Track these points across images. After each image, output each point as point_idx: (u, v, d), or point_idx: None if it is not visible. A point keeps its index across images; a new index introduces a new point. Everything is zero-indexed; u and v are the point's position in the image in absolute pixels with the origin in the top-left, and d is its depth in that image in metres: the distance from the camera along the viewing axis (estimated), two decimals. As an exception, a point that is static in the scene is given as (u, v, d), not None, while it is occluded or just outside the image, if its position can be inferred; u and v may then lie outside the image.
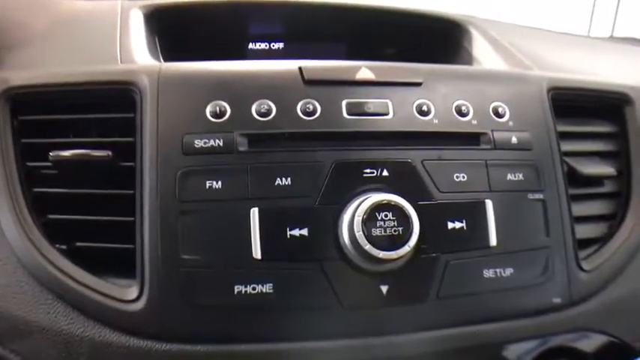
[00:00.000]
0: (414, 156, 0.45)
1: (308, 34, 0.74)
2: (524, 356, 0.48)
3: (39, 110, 0.46)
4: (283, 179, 0.43)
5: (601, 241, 0.52)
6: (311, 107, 0.45)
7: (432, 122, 0.47)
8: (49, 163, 0.44)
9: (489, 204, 0.45)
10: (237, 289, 0.41)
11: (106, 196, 0.44)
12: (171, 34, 0.64)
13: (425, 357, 0.45)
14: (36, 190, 0.45)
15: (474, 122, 0.48)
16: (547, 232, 0.47)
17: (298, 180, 0.43)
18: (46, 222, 0.44)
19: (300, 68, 0.47)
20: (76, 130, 0.46)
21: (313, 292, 0.42)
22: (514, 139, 0.48)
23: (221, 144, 0.43)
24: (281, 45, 0.73)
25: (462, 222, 0.44)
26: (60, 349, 0.41)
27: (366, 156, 0.44)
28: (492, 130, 0.48)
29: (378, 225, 0.41)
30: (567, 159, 0.51)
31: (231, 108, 0.44)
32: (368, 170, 0.44)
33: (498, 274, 0.45)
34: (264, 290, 0.41)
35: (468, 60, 0.68)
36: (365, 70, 0.48)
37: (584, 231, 0.51)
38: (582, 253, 0.50)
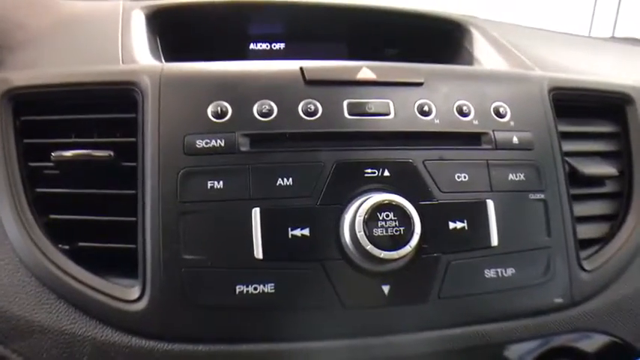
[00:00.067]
0: (415, 156, 0.45)
1: (309, 35, 0.74)
2: (525, 356, 0.48)
3: (41, 110, 0.46)
4: (285, 179, 0.43)
5: (602, 241, 0.52)
6: (312, 107, 0.45)
7: (433, 122, 0.47)
8: (51, 164, 0.44)
9: (490, 204, 0.45)
10: (238, 289, 0.41)
11: (107, 196, 0.44)
12: (173, 34, 0.64)
13: (426, 357, 0.45)
14: (38, 190, 0.45)
15: (475, 122, 0.48)
16: (548, 232, 0.47)
17: (300, 180, 0.43)
18: (48, 222, 0.44)
19: (301, 68, 0.47)
20: (78, 130, 0.46)
21: (315, 292, 0.42)
22: (515, 139, 0.48)
23: (222, 144, 0.43)
24: (282, 45, 0.74)
25: (463, 222, 0.44)
26: (62, 349, 0.41)
27: (368, 156, 0.44)
28: (493, 130, 0.48)
29: (379, 225, 0.41)
30: (568, 159, 0.51)
31: (232, 108, 0.44)
32: (369, 170, 0.44)
33: (500, 274, 0.45)
34: (265, 290, 0.41)
35: (469, 60, 0.68)
36: (366, 70, 0.48)
37: (585, 231, 0.51)
38: (584, 253, 0.50)
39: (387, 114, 0.46)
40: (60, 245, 0.44)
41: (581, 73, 0.61)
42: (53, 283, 0.42)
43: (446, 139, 0.47)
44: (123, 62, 0.52)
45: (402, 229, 0.41)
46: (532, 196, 0.47)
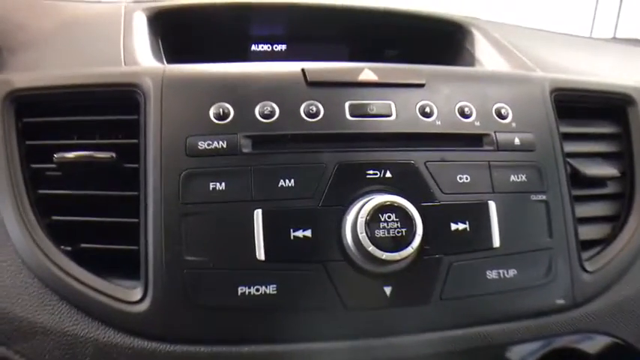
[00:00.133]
0: (417, 157, 0.45)
1: (310, 36, 0.74)
2: (527, 357, 0.48)
3: (43, 112, 0.47)
4: (287, 181, 0.43)
5: (604, 242, 0.52)
6: (314, 109, 0.45)
7: (434, 124, 0.47)
8: (53, 165, 0.44)
9: (492, 205, 0.45)
10: (240, 290, 0.41)
11: (109, 197, 0.45)
12: (175, 36, 0.65)
13: (428, 358, 0.45)
14: (40, 191, 0.45)
15: (477, 123, 0.48)
16: (550, 233, 0.47)
17: (302, 181, 0.43)
18: (51, 223, 0.44)
19: (303, 70, 0.47)
20: (81, 131, 0.46)
21: (317, 293, 0.42)
22: (517, 141, 0.48)
23: (225, 146, 0.43)
24: (283, 47, 0.74)
25: (465, 223, 0.44)
26: (64, 350, 0.41)
27: (369, 157, 0.44)
28: (495, 132, 0.48)
29: (381, 226, 0.41)
30: (570, 160, 0.51)
31: (234, 110, 0.44)
32: (371, 172, 0.44)
33: (501, 275, 0.45)
34: (267, 291, 0.41)
35: (471, 61, 0.68)
36: (368, 72, 0.48)
37: (587, 232, 0.51)
38: (585, 255, 0.50)
39: (389, 115, 0.46)
40: (62, 246, 0.44)
41: (582, 74, 0.61)
42: (55, 285, 0.42)
43: (447, 140, 0.47)
44: (125, 64, 0.52)
45: (403, 230, 0.41)
46: (534, 197, 0.47)
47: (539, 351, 0.48)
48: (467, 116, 0.48)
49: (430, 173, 0.45)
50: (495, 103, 0.49)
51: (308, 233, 0.42)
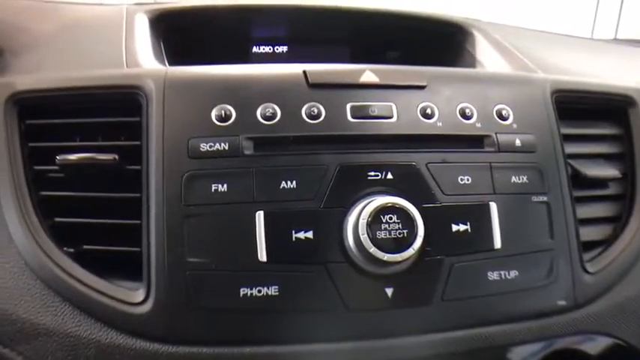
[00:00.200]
0: (418, 159, 0.45)
1: (311, 38, 0.74)
2: (529, 358, 0.48)
3: (46, 114, 0.47)
4: (288, 182, 0.43)
5: (605, 243, 0.52)
6: (315, 111, 0.45)
7: (436, 125, 0.47)
8: (56, 167, 0.44)
9: (493, 206, 0.46)
10: (242, 291, 0.41)
11: (112, 199, 0.45)
12: (176, 38, 0.65)
13: (429, 359, 0.45)
14: (43, 193, 0.45)
15: (478, 125, 0.48)
16: (551, 234, 0.47)
17: (303, 183, 0.43)
18: (53, 225, 0.44)
19: (304, 72, 0.47)
20: (83, 133, 0.46)
21: (318, 294, 0.42)
22: (518, 142, 0.48)
23: (226, 147, 0.43)
24: (285, 48, 0.74)
25: (466, 224, 0.45)
26: (67, 351, 0.42)
27: (371, 159, 0.44)
28: (496, 133, 0.48)
29: (382, 228, 0.41)
30: (571, 161, 0.51)
31: (236, 112, 0.44)
32: (372, 173, 0.44)
33: (503, 276, 0.45)
34: (269, 293, 0.41)
35: (472, 63, 0.68)
36: (369, 74, 0.48)
37: (588, 233, 0.51)
38: (587, 256, 0.50)
39: (390, 117, 0.46)
40: (65, 248, 0.44)
41: (583, 75, 0.61)
42: (58, 286, 0.42)
43: (449, 141, 0.47)
44: (127, 66, 0.52)
45: (405, 231, 0.41)
46: (535, 198, 0.47)
47: (540, 352, 0.48)
48: (468, 117, 0.48)
49: (431, 174, 0.45)
50: (496, 105, 0.49)
51: (309, 235, 0.42)
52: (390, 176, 0.44)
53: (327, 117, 0.45)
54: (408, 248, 0.41)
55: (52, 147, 0.45)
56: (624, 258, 0.51)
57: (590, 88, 0.56)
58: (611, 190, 0.54)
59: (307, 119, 0.45)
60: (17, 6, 0.64)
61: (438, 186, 0.45)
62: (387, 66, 0.51)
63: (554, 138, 0.50)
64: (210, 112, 0.44)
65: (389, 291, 0.43)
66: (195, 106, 0.45)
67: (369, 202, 0.42)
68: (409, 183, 0.44)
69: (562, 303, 0.47)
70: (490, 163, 0.47)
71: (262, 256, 0.42)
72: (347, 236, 0.42)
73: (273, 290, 0.41)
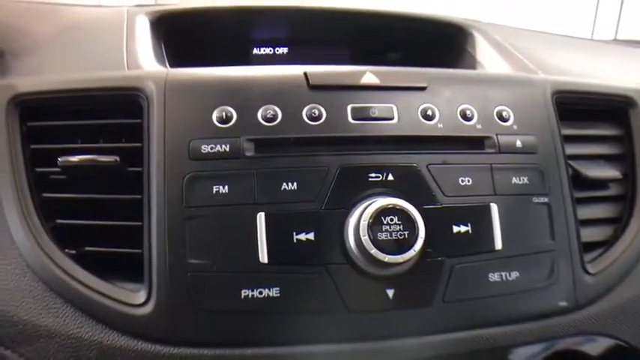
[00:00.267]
0: (419, 160, 0.45)
1: (312, 39, 0.75)
2: (530, 360, 0.48)
3: (47, 116, 0.47)
4: (289, 184, 0.43)
5: (606, 244, 0.52)
6: (316, 112, 0.45)
7: (436, 126, 0.47)
8: (57, 169, 0.44)
9: (494, 208, 0.46)
10: (244, 293, 0.41)
11: (113, 201, 0.45)
12: (177, 39, 0.65)
13: (431, 361, 0.45)
14: (45, 195, 0.45)
15: (479, 126, 0.48)
16: (552, 235, 0.47)
17: (304, 185, 0.43)
18: (55, 227, 0.44)
19: (305, 73, 0.47)
20: (84, 135, 0.46)
21: (319, 295, 0.42)
22: (519, 143, 0.48)
23: (227, 149, 0.43)
24: (285, 50, 0.74)
25: (467, 226, 0.45)
26: (68, 353, 0.42)
27: (372, 160, 0.45)
28: (497, 134, 0.48)
29: (383, 229, 0.41)
30: (572, 162, 0.51)
31: (237, 113, 0.44)
32: (373, 174, 0.44)
33: (504, 277, 0.45)
34: (270, 294, 0.41)
35: (472, 64, 0.68)
36: (370, 75, 0.48)
37: (589, 234, 0.51)
38: (588, 257, 0.50)
39: (391, 118, 0.46)
40: (66, 250, 0.44)
41: (583, 76, 0.61)
42: (60, 288, 0.42)
43: (449, 143, 0.47)
44: (128, 68, 0.52)
45: (406, 233, 0.41)
46: (536, 199, 0.47)
47: (541, 353, 0.48)
48: (468, 119, 0.48)
49: (432, 176, 0.45)
50: (497, 106, 0.49)
51: (311, 236, 0.42)
52: (390, 177, 0.44)
53: (327, 118, 0.45)
54: (409, 249, 0.41)
55: (54, 149, 0.45)
56: (625, 259, 0.51)
57: (591, 88, 0.56)
58: (611, 191, 0.54)
59: (308, 121, 0.45)
60: (17, 8, 0.64)
61: (439, 187, 0.45)
62: (388, 67, 0.51)
63: (554, 139, 0.50)
64: (211, 113, 0.44)
65: (390, 292, 0.43)
66: (196, 108, 0.45)
67: (370, 203, 0.42)
68: (410, 184, 0.44)
69: (563, 304, 0.47)
70: (491, 164, 0.47)
71: (263, 257, 0.42)
72: (348, 238, 0.42)
73: (274, 292, 0.41)
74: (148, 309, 0.41)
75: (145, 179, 0.44)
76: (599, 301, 0.49)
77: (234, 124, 0.44)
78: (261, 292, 0.41)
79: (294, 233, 0.42)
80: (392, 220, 0.41)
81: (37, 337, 0.42)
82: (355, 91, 0.47)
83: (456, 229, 0.44)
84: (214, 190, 0.42)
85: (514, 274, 0.45)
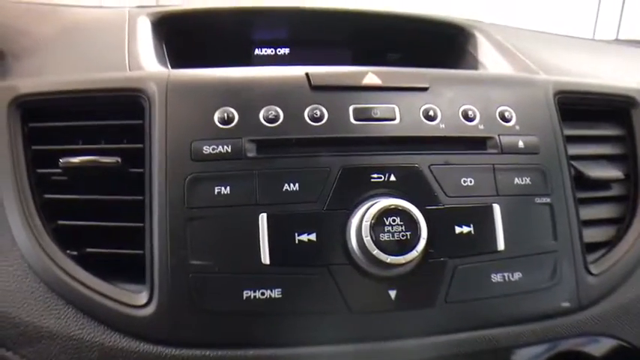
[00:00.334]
0: (421, 161, 0.45)
1: (313, 40, 0.75)
2: (532, 361, 0.48)
3: (48, 117, 0.47)
4: (291, 185, 0.43)
5: (609, 244, 0.52)
6: (318, 113, 0.45)
7: (438, 127, 0.47)
8: (59, 170, 0.44)
9: (497, 208, 0.45)
10: (246, 294, 0.41)
11: (115, 202, 0.45)
12: (179, 40, 0.65)
13: (433, 361, 0.45)
14: (46, 196, 0.45)
15: (481, 127, 0.48)
16: (555, 236, 0.47)
17: (306, 185, 0.43)
18: (57, 228, 0.44)
19: (307, 74, 0.47)
20: (86, 136, 0.46)
21: (322, 296, 0.42)
22: (521, 143, 0.48)
23: (229, 150, 0.43)
24: (287, 51, 0.74)
25: (469, 226, 0.45)
26: (70, 354, 0.42)
27: (374, 161, 0.44)
28: (499, 135, 0.48)
29: (385, 230, 0.41)
30: (574, 163, 0.51)
31: (239, 114, 0.44)
32: (375, 175, 0.44)
33: (506, 278, 0.45)
34: (272, 295, 0.41)
35: (474, 64, 0.68)
36: (371, 76, 0.48)
37: (592, 235, 0.50)
38: (590, 257, 0.50)
39: (393, 119, 0.46)
40: (68, 251, 0.44)
41: (585, 76, 0.61)
42: (62, 289, 0.42)
43: (451, 143, 0.47)
44: (130, 69, 0.52)
45: (408, 233, 0.41)
46: (538, 200, 0.47)
47: (544, 354, 0.48)
48: (470, 119, 0.48)
49: (434, 176, 0.45)
50: (499, 106, 0.49)
51: (313, 237, 0.42)
52: (392, 178, 0.44)
53: (329, 119, 0.45)
54: (411, 250, 0.41)
55: (55, 150, 0.45)
56: (628, 259, 0.51)
57: (593, 89, 0.56)
58: (614, 191, 0.54)
59: (310, 121, 0.45)
60: (17, 9, 0.64)
61: (441, 188, 0.45)
62: (390, 68, 0.51)
63: (557, 139, 0.50)
64: (213, 114, 0.44)
65: (392, 293, 0.43)
66: (197, 109, 0.45)
67: (372, 204, 0.42)
68: (412, 185, 0.44)
69: (566, 305, 0.47)
70: (493, 164, 0.47)
71: (265, 258, 0.42)
72: (350, 238, 0.42)
73: (276, 293, 0.41)
74: (149, 310, 0.41)
75: (147, 180, 0.44)
76: (602, 301, 0.49)
77: (235, 125, 0.44)
78: (263, 293, 0.41)
79: (296, 234, 0.42)
80: (394, 220, 0.41)
81: (38, 338, 0.42)
82: (357, 91, 0.47)
83: (458, 229, 0.44)
84: (216, 190, 0.42)
85: (517, 275, 0.45)
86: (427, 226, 0.42)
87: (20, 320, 0.42)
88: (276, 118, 0.45)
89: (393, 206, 0.41)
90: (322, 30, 0.73)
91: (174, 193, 0.42)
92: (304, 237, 0.42)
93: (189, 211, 0.42)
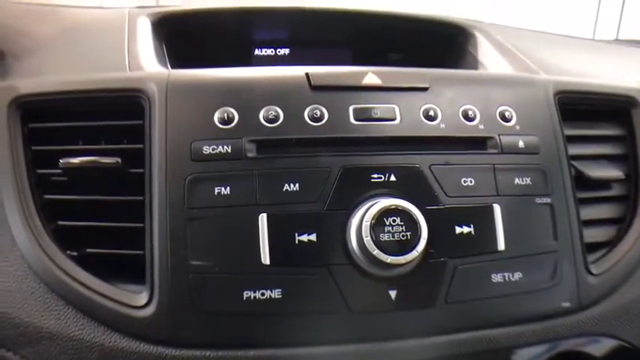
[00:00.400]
0: (421, 161, 0.45)
1: (313, 40, 0.75)
2: (533, 361, 0.48)
3: (48, 117, 0.47)
4: (291, 185, 0.43)
5: (610, 244, 0.52)
6: (318, 113, 0.45)
7: (438, 127, 0.47)
8: (59, 170, 0.44)
9: (497, 208, 0.45)
10: (246, 294, 0.41)
11: (115, 202, 0.45)
12: (179, 41, 0.65)
13: (434, 362, 0.45)
14: (46, 196, 0.45)
15: (481, 127, 0.48)
16: (555, 236, 0.47)
17: (306, 185, 0.43)
18: (57, 228, 0.44)
19: (307, 74, 0.47)
20: (86, 137, 0.46)
21: (322, 297, 0.42)
22: (521, 143, 0.48)
23: (229, 150, 0.43)
24: (287, 51, 0.74)
25: (469, 226, 0.44)
26: (70, 354, 0.42)
27: (374, 161, 0.44)
28: (499, 135, 0.48)
29: (386, 230, 0.41)
30: (575, 162, 0.51)
31: (239, 114, 0.44)
32: (375, 175, 0.44)
33: (507, 278, 0.45)
34: (273, 295, 0.41)
35: (474, 64, 0.68)
36: (371, 76, 0.48)
37: (592, 235, 0.50)
38: (591, 257, 0.49)
39: (393, 119, 0.46)
40: (68, 251, 0.44)
41: (585, 76, 0.61)
42: (62, 290, 0.42)
43: (452, 143, 0.47)
44: (130, 69, 0.52)
45: (408, 233, 0.41)
46: (538, 200, 0.47)
47: (545, 354, 0.48)
48: (471, 119, 0.48)
49: (434, 176, 0.45)
50: (499, 106, 0.49)
51: (313, 237, 0.42)
52: (393, 178, 0.44)
53: (329, 119, 0.45)
54: (411, 250, 0.41)
55: (55, 150, 0.45)
56: (628, 259, 0.51)
57: (593, 89, 0.56)
58: (614, 191, 0.54)
59: (310, 122, 0.45)
60: (17, 9, 0.64)
61: (441, 188, 0.45)
62: (390, 68, 0.51)
63: (557, 139, 0.50)
64: (213, 114, 0.44)
65: (392, 293, 0.43)
66: (197, 109, 0.45)
67: (373, 204, 0.42)
68: (412, 185, 0.44)
69: (566, 305, 0.47)
70: (493, 164, 0.47)
71: (265, 258, 0.42)
72: (350, 239, 0.42)
73: (276, 293, 0.41)
74: (149, 310, 0.41)
75: (147, 180, 0.44)
76: (602, 301, 0.49)
77: (235, 125, 0.44)
78: (263, 294, 0.41)
79: (296, 234, 0.42)
80: (394, 221, 0.41)
81: (38, 339, 0.42)
82: (357, 91, 0.47)
83: (458, 229, 0.44)
84: (216, 191, 0.42)
85: (517, 275, 0.45)
86: (427, 226, 0.42)
87: (20, 321, 0.42)
88: (276, 118, 0.44)
89: (393, 206, 0.41)
90: (322, 30, 0.73)
91: (174, 194, 0.42)
92: (304, 237, 0.42)
93: (190, 212, 0.42)
